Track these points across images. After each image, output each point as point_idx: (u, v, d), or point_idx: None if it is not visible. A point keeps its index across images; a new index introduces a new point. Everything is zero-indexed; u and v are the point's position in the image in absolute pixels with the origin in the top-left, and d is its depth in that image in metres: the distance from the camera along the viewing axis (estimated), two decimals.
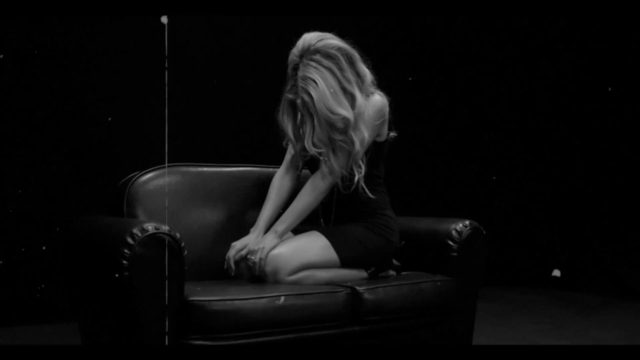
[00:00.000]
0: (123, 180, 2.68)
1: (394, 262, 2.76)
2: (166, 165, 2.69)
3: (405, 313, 2.56)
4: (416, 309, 2.59)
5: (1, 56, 3.79)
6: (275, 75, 2.85)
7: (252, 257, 2.50)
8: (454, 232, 2.76)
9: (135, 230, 2.10)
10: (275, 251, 2.49)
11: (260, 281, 2.51)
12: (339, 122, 2.53)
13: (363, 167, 2.59)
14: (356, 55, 2.61)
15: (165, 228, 2.14)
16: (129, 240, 2.08)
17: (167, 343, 2.11)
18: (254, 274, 2.51)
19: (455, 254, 2.74)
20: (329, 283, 2.52)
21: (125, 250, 2.07)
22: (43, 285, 3.91)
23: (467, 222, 2.79)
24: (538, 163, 5.53)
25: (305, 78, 2.52)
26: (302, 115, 2.62)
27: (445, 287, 2.68)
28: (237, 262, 2.55)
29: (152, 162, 2.87)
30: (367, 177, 2.63)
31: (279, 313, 2.26)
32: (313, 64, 2.52)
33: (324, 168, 2.58)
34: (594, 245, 5.24)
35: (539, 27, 5.38)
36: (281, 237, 2.55)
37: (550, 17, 5.20)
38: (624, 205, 5.10)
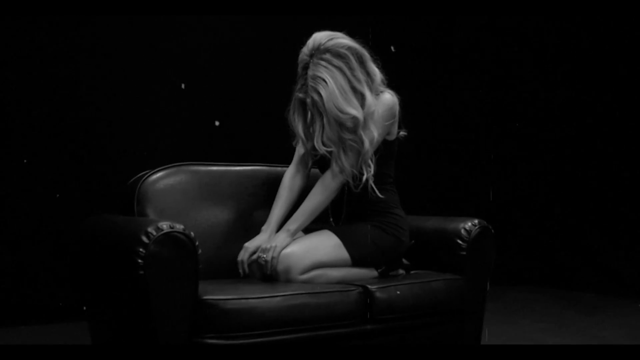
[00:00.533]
0: (133, 179, 2.68)
1: (404, 261, 2.76)
2: (172, 166, 2.69)
3: (417, 312, 2.56)
4: (428, 307, 2.59)
5: None
6: (284, 74, 2.85)
7: (264, 256, 2.50)
8: (463, 231, 2.76)
9: (150, 229, 2.09)
10: (287, 250, 2.49)
11: (272, 280, 2.51)
12: (349, 121, 2.53)
13: (372, 166, 2.59)
14: (366, 54, 2.61)
15: (179, 227, 2.14)
16: (144, 239, 2.08)
17: (182, 342, 2.10)
18: (265, 272, 2.51)
19: (465, 253, 2.74)
20: (340, 282, 2.52)
21: (141, 249, 2.07)
22: (51, 285, 3.91)
23: (476, 221, 2.79)
24: (539, 163, 5.54)
25: (315, 77, 2.52)
26: (312, 115, 2.62)
27: (456, 286, 2.68)
28: (249, 264, 2.55)
29: (157, 161, 2.88)
30: (377, 176, 2.63)
31: (293, 312, 2.26)
32: (323, 63, 2.52)
33: (334, 167, 2.58)
34: (594, 244, 5.25)
35: (549, 25, 5.38)
36: (293, 236, 2.55)
37: (563, 16, 5.18)
38: (625, 204, 5.11)
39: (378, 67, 2.66)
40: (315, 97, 2.52)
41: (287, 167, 2.78)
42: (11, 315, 3.80)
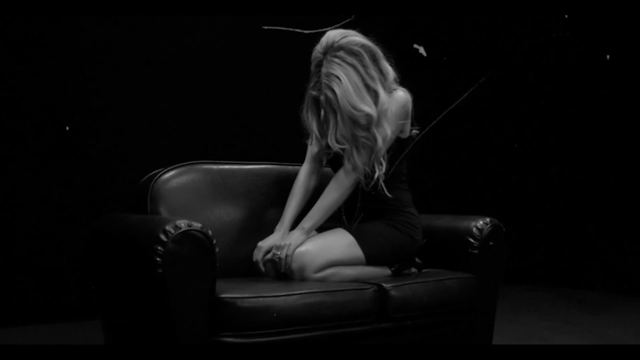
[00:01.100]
0: (145, 178, 2.67)
1: (416, 259, 2.76)
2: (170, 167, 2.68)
3: (430, 310, 2.55)
4: (441, 306, 2.58)
5: None
6: (296, 73, 2.85)
7: (278, 253, 2.49)
8: (474, 230, 2.75)
9: (168, 228, 2.08)
10: (302, 248, 2.48)
11: (286, 278, 2.50)
12: (362, 118, 2.52)
13: (384, 164, 2.59)
14: (379, 52, 2.61)
15: (197, 225, 2.13)
16: (163, 237, 2.07)
17: (201, 340, 2.09)
18: (279, 270, 2.50)
19: (477, 252, 2.74)
20: (354, 280, 2.52)
21: (159, 248, 2.06)
22: (63, 284, 3.90)
23: (488, 220, 2.79)
24: (547, 162, 5.54)
25: (329, 74, 2.51)
26: (325, 112, 2.62)
27: (469, 284, 2.68)
28: (263, 263, 2.54)
29: (169, 160, 2.87)
30: (390, 174, 2.62)
31: (310, 310, 2.25)
32: (337, 60, 2.52)
33: (347, 165, 2.58)
34: (601, 243, 5.26)
35: (565, 20, 5.37)
36: (308, 234, 2.54)
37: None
38: (633, 203, 5.11)
39: (391, 65, 2.65)
40: (329, 94, 2.52)
41: (298, 165, 2.78)
42: (25, 314, 3.80)
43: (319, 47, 2.56)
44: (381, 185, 2.59)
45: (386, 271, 2.64)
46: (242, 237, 2.71)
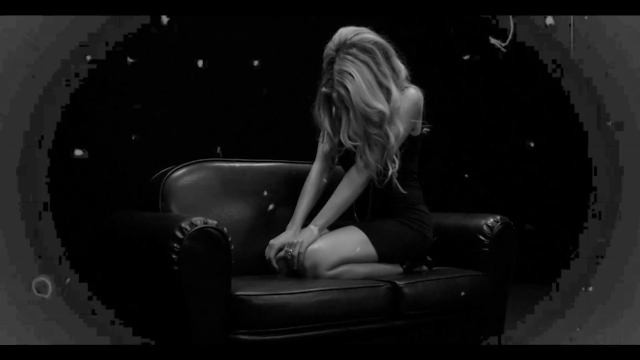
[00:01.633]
0: (156, 176, 2.66)
1: (427, 257, 2.76)
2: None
3: (443, 307, 2.56)
4: (453, 303, 2.58)
5: None
6: (306, 71, 2.84)
7: (291, 250, 2.48)
8: (485, 228, 2.76)
9: (184, 225, 2.08)
10: (315, 246, 2.48)
11: (299, 275, 2.49)
12: (375, 115, 2.52)
13: (397, 161, 2.58)
14: (392, 50, 2.60)
15: (213, 222, 2.13)
16: (178, 234, 2.06)
17: (216, 337, 2.09)
18: (291, 267, 2.50)
19: (487, 249, 2.74)
20: (366, 278, 2.51)
21: (175, 245, 2.05)
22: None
23: (498, 217, 2.80)
24: (558, 161, 5.53)
25: (342, 72, 2.51)
26: (337, 109, 2.61)
27: (480, 282, 2.68)
28: (276, 260, 2.54)
29: (179, 158, 2.85)
30: (402, 172, 2.61)
31: (324, 307, 2.25)
32: (349, 57, 2.51)
33: (359, 162, 2.57)
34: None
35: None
36: (320, 232, 2.54)
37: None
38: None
39: (403, 63, 2.65)
40: (342, 91, 2.52)
41: (309, 163, 2.78)
42: None
43: (332, 44, 2.55)
44: (395, 183, 2.59)
45: (398, 269, 2.64)
46: (253, 235, 2.70)
